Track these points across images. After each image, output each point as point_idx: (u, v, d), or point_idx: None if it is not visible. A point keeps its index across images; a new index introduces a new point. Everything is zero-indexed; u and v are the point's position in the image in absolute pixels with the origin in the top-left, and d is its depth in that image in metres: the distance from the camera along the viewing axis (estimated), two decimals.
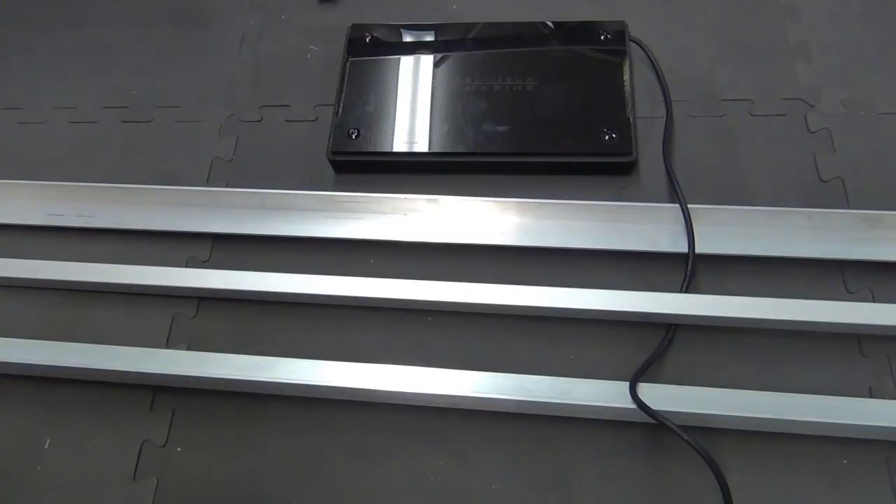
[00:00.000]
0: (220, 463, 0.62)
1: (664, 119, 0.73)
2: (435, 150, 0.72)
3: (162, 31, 0.88)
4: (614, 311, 0.62)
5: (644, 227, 0.66)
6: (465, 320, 0.65)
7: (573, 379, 0.59)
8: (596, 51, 0.75)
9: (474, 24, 0.79)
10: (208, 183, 0.76)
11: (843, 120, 0.72)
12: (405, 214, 0.70)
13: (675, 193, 0.67)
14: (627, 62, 0.74)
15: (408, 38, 0.79)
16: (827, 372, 0.60)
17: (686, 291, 0.63)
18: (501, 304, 0.63)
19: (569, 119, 0.71)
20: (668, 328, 0.62)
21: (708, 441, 0.56)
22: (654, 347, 0.61)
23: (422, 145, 0.72)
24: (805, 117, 0.73)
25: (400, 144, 0.72)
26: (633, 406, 0.56)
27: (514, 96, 0.73)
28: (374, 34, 0.79)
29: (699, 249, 0.64)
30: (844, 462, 0.57)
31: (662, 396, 0.57)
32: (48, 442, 0.64)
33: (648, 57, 0.77)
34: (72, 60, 0.87)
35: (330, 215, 0.70)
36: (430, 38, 0.79)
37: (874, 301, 0.63)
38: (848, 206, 0.67)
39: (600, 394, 0.58)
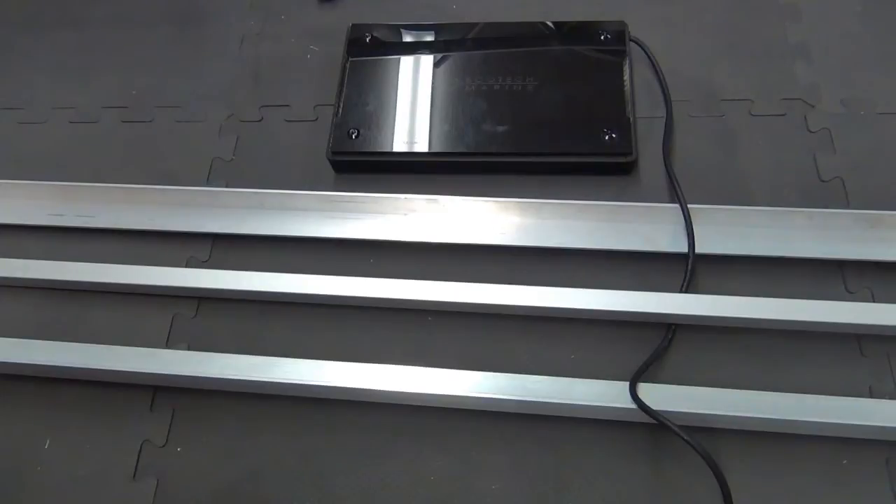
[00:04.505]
0: (220, 463, 0.62)
1: (664, 119, 0.73)
2: (435, 150, 0.72)
3: (162, 31, 0.88)
4: (614, 311, 0.62)
5: (644, 227, 0.66)
6: (465, 320, 0.65)
7: (573, 379, 0.59)
8: (596, 51, 0.75)
9: (474, 24, 0.79)
10: (208, 183, 0.76)
11: (843, 120, 0.72)
12: (405, 214, 0.70)
13: (675, 193, 0.67)
14: (627, 62, 0.74)
15: (408, 38, 0.79)
16: (827, 372, 0.60)
17: (686, 291, 0.63)
18: (501, 304, 0.63)
19: (569, 119, 0.71)
20: (668, 328, 0.62)
21: (708, 441, 0.56)
22: (654, 347, 0.61)
23: (422, 145, 0.72)
24: (805, 117, 0.73)
25: (400, 144, 0.72)
26: (633, 406, 0.56)
27: (514, 96, 0.73)
28: (374, 34, 0.79)
29: (699, 249, 0.64)
30: (844, 462, 0.57)
31: (662, 396, 0.57)
32: (48, 442, 0.64)
33: (648, 57, 0.77)
34: (72, 60, 0.87)
35: (330, 215, 0.70)
36: (430, 38, 0.79)
37: (874, 301, 0.63)
38: (848, 206, 0.67)
39: (600, 394, 0.58)
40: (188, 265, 0.71)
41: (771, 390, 0.58)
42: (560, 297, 0.63)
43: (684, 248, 0.65)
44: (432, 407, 0.61)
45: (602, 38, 0.76)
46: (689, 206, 0.65)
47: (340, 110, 0.75)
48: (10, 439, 0.64)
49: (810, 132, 0.72)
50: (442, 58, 0.77)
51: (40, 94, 0.85)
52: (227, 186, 0.75)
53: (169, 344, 0.67)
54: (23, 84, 0.86)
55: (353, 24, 0.80)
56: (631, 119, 0.71)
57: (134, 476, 0.62)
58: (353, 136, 0.73)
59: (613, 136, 0.70)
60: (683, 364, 0.62)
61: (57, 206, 0.75)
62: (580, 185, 0.71)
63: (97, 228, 0.73)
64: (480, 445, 0.60)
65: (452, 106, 0.73)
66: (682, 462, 0.57)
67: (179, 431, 0.63)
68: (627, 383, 0.58)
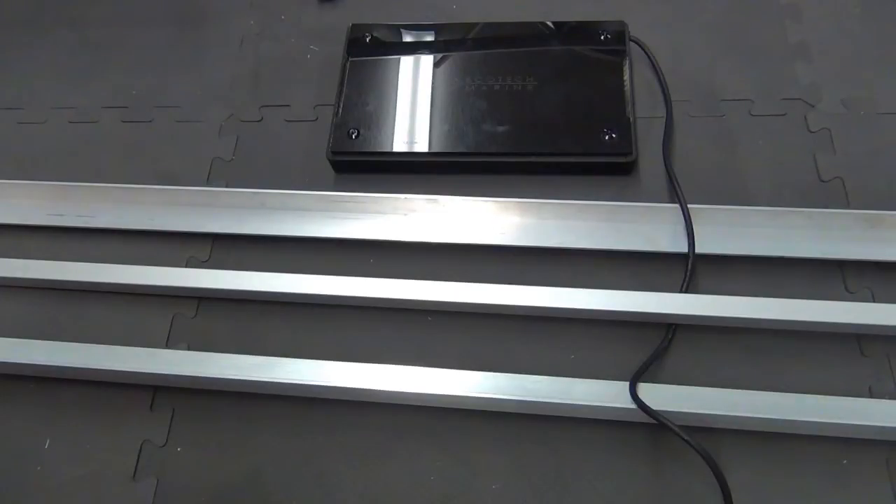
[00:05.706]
0: (220, 463, 0.62)
1: (664, 119, 0.73)
2: (435, 150, 0.72)
3: (162, 31, 0.88)
4: (614, 311, 0.62)
5: (644, 227, 0.66)
6: (465, 320, 0.65)
7: (573, 379, 0.59)
8: (596, 51, 0.75)
9: (474, 24, 0.79)
10: (208, 183, 0.76)
11: (843, 120, 0.72)
12: (405, 214, 0.70)
13: (675, 193, 0.67)
14: (627, 62, 0.74)
15: (408, 38, 0.79)
16: (827, 372, 0.60)
17: (686, 291, 0.63)
18: (501, 304, 0.63)
19: (569, 119, 0.71)
20: (668, 328, 0.62)
21: (708, 441, 0.56)
22: (654, 347, 0.61)
23: (422, 145, 0.72)
24: (805, 117, 0.73)
25: (400, 144, 0.72)
26: (633, 406, 0.56)
27: (514, 96, 0.73)
28: (374, 34, 0.79)
29: (699, 249, 0.64)
30: (844, 462, 0.57)
31: (662, 396, 0.57)
32: (48, 442, 0.64)
33: (648, 57, 0.77)
34: (72, 60, 0.87)
35: (330, 215, 0.70)
36: (430, 38, 0.79)
37: (874, 301, 0.63)
38: (848, 206, 0.67)
39: (600, 394, 0.58)
40: (188, 265, 0.71)
41: (771, 390, 0.58)
42: (560, 297, 0.63)
43: (684, 248, 0.65)
44: (432, 407, 0.61)
45: (602, 38, 0.76)
46: (689, 206, 0.65)
47: (340, 110, 0.75)
48: (10, 439, 0.64)
49: (810, 132, 0.72)
50: (442, 58, 0.77)
51: (40, 94, 0.85)
52: (227, 186, 0.75)
53: (169, 344, 0.67)
54: (23, 84, 0.86)
55: (353, 24, 0.80)
56: (631, 119, 0.71)
57: (134, 476, 0.62)
58: (353, 136, 0.73)
59: (613, 136, 0.70)
60: (683, 364, 0.62)
61: (57, 206, 0.75)
62: (580, 185, 0.71)
63: (97, 228, 0.73)
64: (480, 445, 0.60)
65: (452, 106, 0.73)
66: (682, 462, 0.57)
67: (179, 431, 0.63)
68: (627, 383, 0.58)
